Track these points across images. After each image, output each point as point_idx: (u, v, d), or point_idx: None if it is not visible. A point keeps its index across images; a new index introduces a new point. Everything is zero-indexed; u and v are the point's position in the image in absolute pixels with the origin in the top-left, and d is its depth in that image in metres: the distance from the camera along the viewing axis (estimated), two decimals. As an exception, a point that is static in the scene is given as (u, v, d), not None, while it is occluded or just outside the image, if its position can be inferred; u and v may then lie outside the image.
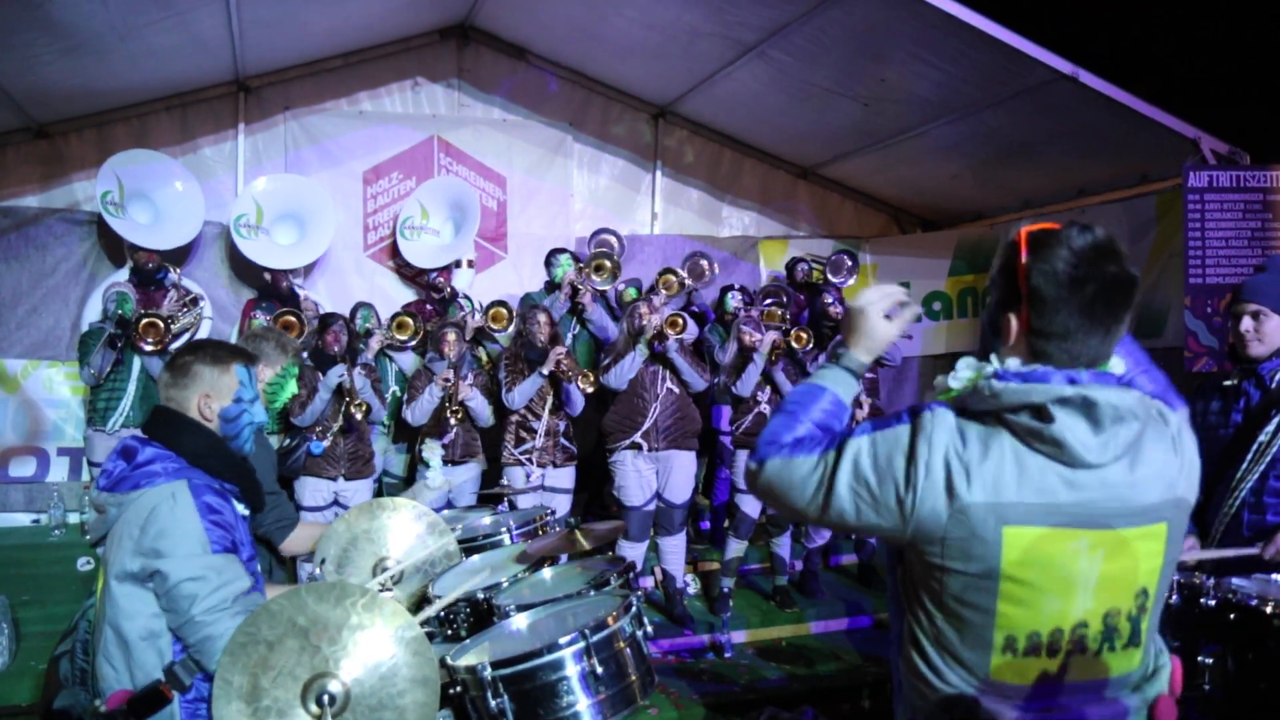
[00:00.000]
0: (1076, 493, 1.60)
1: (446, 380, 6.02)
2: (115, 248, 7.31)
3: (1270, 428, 3.32)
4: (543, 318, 6.11)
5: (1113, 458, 1.61)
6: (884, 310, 1.85)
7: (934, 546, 1.63)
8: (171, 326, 6.30)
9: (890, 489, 1.64)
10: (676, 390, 6.10)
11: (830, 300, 7.03)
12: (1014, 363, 1.68)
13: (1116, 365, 1.70)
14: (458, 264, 7.86)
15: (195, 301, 6.94)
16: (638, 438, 6.02)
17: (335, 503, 5.89)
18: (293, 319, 6.42)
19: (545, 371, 5.98)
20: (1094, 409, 1.59)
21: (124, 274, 7.05)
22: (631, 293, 7.11)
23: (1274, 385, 3.36)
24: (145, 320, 6.16)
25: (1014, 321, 1.69)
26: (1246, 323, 3.40)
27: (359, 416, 5.84)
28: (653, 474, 6.08)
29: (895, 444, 1.65)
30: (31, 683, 4.97)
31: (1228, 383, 3.52)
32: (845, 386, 1.85)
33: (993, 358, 1.71)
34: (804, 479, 1.71)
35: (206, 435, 2.54)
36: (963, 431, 1.64)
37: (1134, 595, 1.66)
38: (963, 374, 1.73)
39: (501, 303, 6.89)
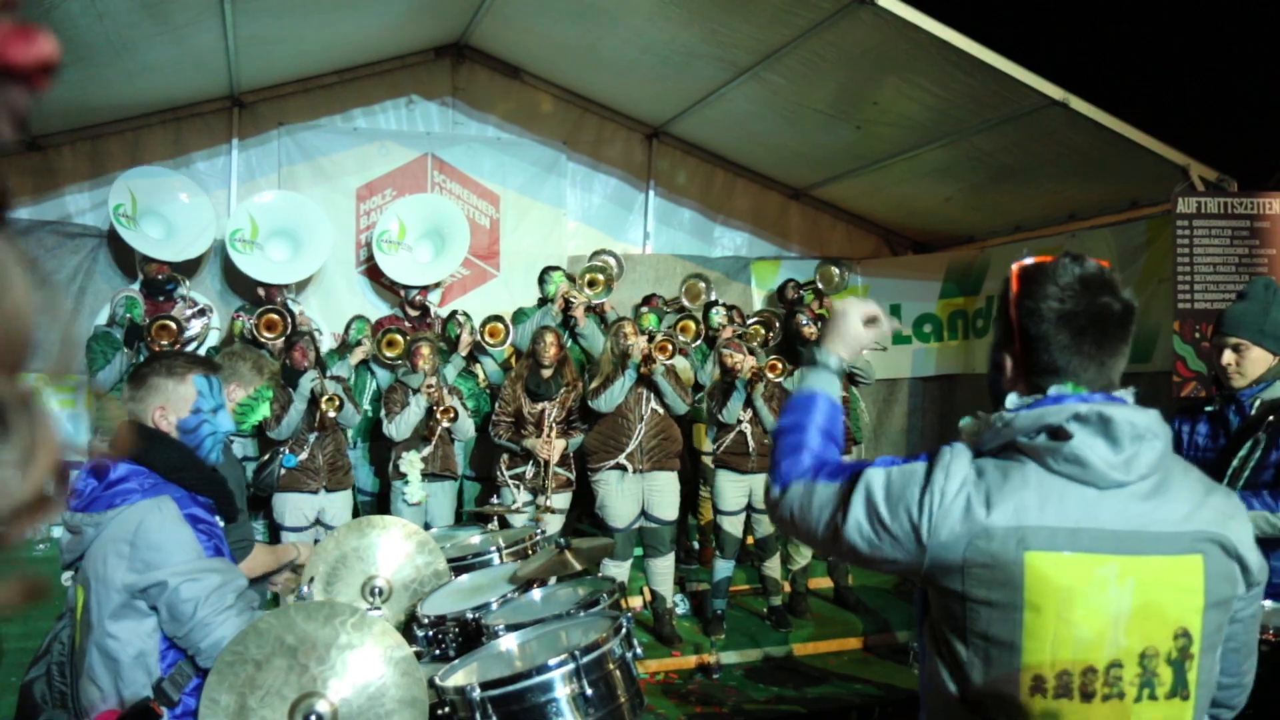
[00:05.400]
0: (1101, 515, 1.54)
1: (429, 386, 6.01)
2: (117, 260, 7.31)
3: (1243, 453, 3.36)
4: (550, 337, 6.12)
5: (1138, 476, 1.56)
6: (863, 316, 1.88)
7: (953, 577, 1.57)
8: (185, 329, 6.28)
9: (904, 517, 1.60)
10: (660, 411, 6.11)
11: (804, 321, 7.02)
12: (1018, 397, 1.65)
13: (1123, 394, 1.65)
14: (437, 285, 7.86)
15: (203, 312, 6.94)
16: (622, 459, 6.02)
17: (318, 522, 5.86)
18: (275, 316, 6.40)
19: (532, 452, 6.08)
20: (1110, 425, 1.54)
21: (135, 285, 7.00)
22: (652, 319, 7.10)
23: (1252, 412, 3.41)
24: (160, 323, 6.14)
25: (1009, 360, 1.69)
26: (1228, 355, 3.41)
27: (332, 414, 5.82)
28: (637, 493, 6.08)
29: (911, 476, 1.62)
30: (14, 699, 4.90)
31: (1209, 408, 3.57)
32: (831, 385, 1.86)
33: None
34: (821, 506, 1.69)
35: (178, 448, 2.50)
36: (980, 466, 1.61)
37: (1173, 635, 1.55)
38: (967, 420, 1.71)
39: (497, 317, 6.89)
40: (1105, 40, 11.36)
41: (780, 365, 6.36)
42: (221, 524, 2.57)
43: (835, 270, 8.01)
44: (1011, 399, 1.65)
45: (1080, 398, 1.59)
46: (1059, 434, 1.56)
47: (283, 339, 6.37)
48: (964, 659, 1.59)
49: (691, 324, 7.07)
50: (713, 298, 7.89)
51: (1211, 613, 1.58)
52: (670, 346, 6.06)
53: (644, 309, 7.32)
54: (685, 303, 7.46)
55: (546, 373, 6.11)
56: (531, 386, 6.10)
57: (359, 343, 6.53)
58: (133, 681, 2.32)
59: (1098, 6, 11.26)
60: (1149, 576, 1.54)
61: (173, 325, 6.17)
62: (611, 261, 7.28)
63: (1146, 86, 10.35)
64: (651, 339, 6.13)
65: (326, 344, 7.24)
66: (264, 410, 3.60)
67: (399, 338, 6.64)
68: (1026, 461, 1.58)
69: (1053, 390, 1.61)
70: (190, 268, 7.35)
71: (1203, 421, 3.59)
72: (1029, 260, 1.70)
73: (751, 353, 6.44)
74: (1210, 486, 1.65)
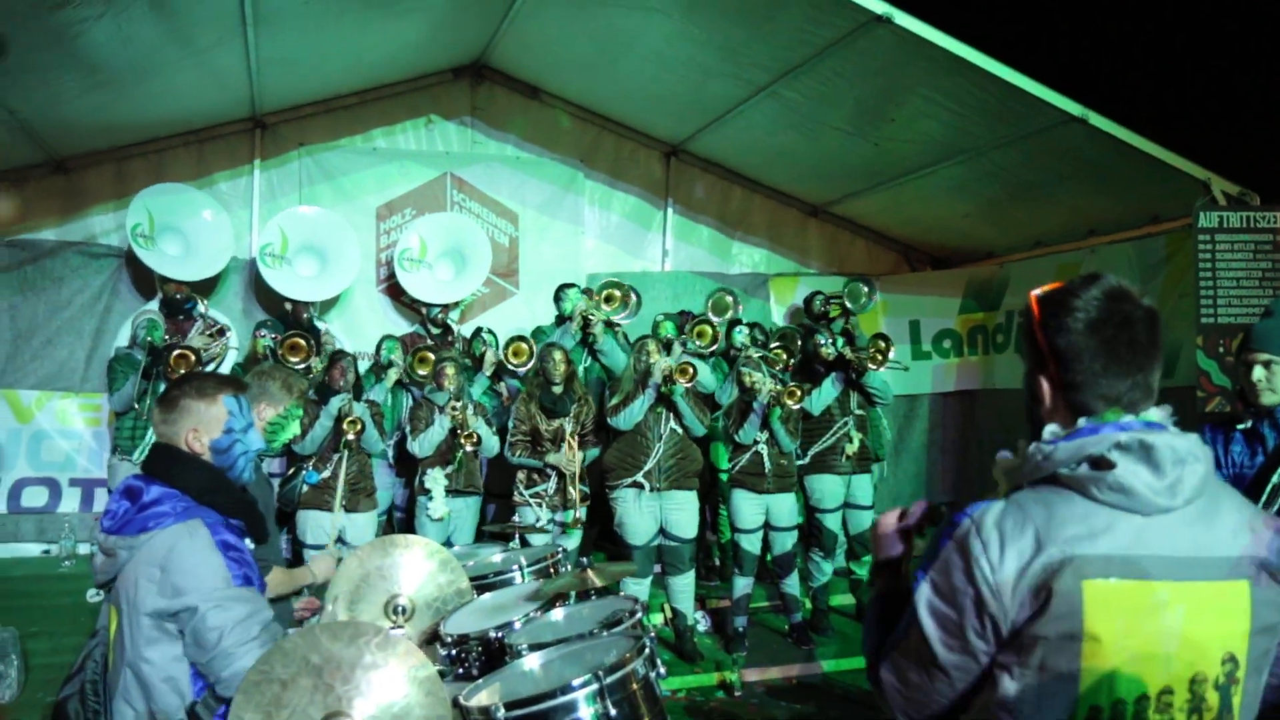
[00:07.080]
0: (1150, 541, 1.53)
1: (454, 407, 6.04)
2: (136, 280, 7.38)
3: None
4: (558, 355, 6.14)
5: (1183, 501, 1.55)
6: (892, 526, 1.86)
7: (1024, 625, 1.55)
8: (201, 357, 6.32)
9: (969, 607, 1.56)
10: (679, 431, 6.11)
11: (823, 342, 6.91)
12: (1055, 428, 1.63)
13: (1157, 415, 1.64)
14: (456, 304, 7.89)
15: (222, 332, 6.98)
16: (639, 477, 6.02)
17: (339, 540, 5.87)
18: (300, 341, 6.44)
19: (546, 463, 6.09)
20: (1152, 452, 1.53)
21: (153, 305, 7.06)
22: (669, 327, 7.09)
23: None
24: (177, 352, 6.18)
25: (1045, 383, 1.67)
26: (1259, 372, 3.35)
27: (351, 436, 5.84)
28: (655, 511, 6.08)
29: (949, 566, 1.59)
30: (39, 716, 4.95)
31: (1242, 426, 3.50)
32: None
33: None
34: (908, 666, 1.66)
35: (209, 471, 2.51)
36: (1020, 501, 1.59)
37: (1220, 661, 1.55)
38: (1004, 454, 1.70)
39: (522, 337, 6.88)
40: (1125, 54, 11.33)
41: (798, 392, 6.29)
42: (251, 545, 2.58)
43: (864, 288, 7.98)
44: (1049, 430, 1.63)
45: (1118, 426, 1.58)
46: (1101, 463, 1.55)
47: (309, 361, 6.40)
48: (1012, 695, 1.56)
49: (708, 328, 7.05)
50: (739, 312, 7.84)
51: (1257, 638, 1.58)
52: (692, 369, 6.06)
53: (660, 317, 7.29)
54: (711, 316, 7.44)
55: (558, 389, 6.14)
56: (547, 404, 6.12)
57: (390, 363, 6.54)
58: (166, 704, 2.33)
59: (1117, 21, 11.24)
60: (1198, 602, 1.54)
61: (191, 355, 6.20)
62: (633, 294, 7.27)
63: (1167, 100, 10.32)
64: (667, 347, 6.15)
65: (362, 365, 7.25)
66: (293, 429, 3.60)
67: (430, 355, 6.66)
68: (1070, 493, 1.57)
69: (1086, 423, 1.60)
70: (208, 286, 7.41)
71: (1237, 439, 3.52)
72: (1043, 288, 1.70)
73: (772, 377, 6.37)
74: (1255, 511, 1.65)
